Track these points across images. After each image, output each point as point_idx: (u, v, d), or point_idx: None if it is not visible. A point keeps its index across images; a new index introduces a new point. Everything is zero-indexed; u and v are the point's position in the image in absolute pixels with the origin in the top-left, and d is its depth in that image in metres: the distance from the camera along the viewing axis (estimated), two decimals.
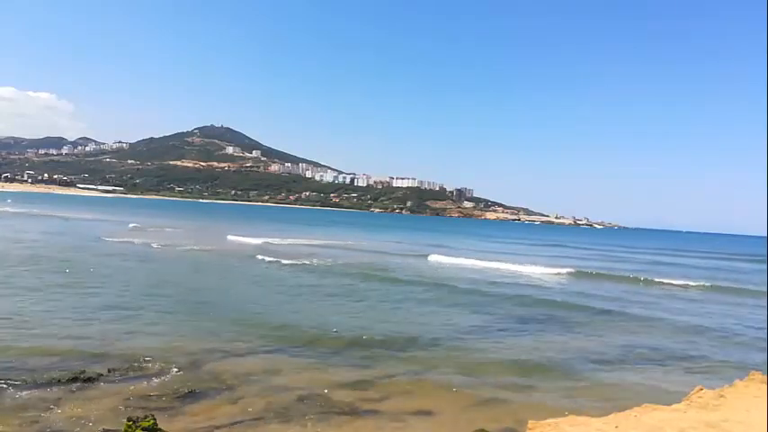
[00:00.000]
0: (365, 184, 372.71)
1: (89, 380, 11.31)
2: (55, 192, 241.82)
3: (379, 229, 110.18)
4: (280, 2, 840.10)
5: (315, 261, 37.50)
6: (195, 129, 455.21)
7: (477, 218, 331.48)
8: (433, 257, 46.16)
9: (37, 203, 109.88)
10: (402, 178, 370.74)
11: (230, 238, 52.50)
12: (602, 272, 42.05)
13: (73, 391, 10.69)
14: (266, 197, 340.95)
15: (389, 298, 24.93)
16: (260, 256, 37.76)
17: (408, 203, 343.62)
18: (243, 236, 53.01)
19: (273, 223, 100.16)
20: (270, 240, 51.69)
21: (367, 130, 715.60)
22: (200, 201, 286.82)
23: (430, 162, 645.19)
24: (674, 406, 9.11)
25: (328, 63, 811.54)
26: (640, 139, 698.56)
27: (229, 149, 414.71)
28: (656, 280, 38.83)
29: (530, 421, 8.36)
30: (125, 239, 44.29)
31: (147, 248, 38.76)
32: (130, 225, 61.54)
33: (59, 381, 11.13)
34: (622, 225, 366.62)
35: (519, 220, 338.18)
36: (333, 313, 20.53)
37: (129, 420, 8.52)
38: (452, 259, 45.84)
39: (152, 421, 8.53)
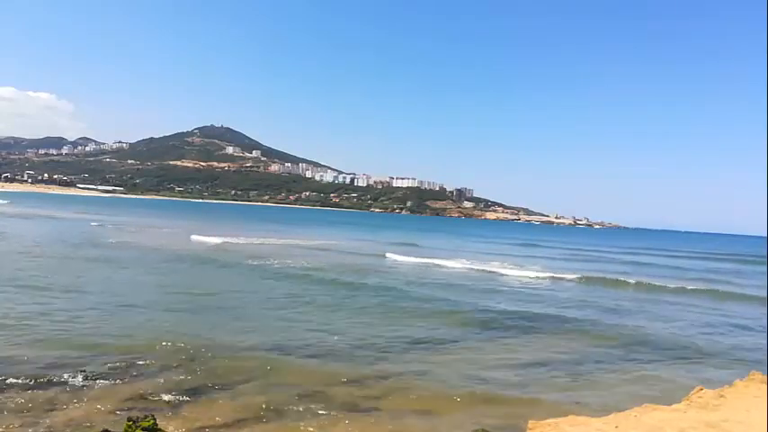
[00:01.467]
0: (365, 184, 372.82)
1: (89, 380, 11.32)
2: (55, 192, 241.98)
3: (371, 228, 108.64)
4: (280, 2, 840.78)
5: (269, 261, 35.88)
6: (195, 129, 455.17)
7: (477, 218, 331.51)
8: (401, 258, 44.97)
9: (29, 203, 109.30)
10: (402, 178, 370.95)
11: (193, 237, 50.60)
12: (582, 274, 40.22)
13: (73, 391, 10.70)
14: (266, 197, 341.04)
15: (317, 302, 22.87)
16: (211, 255, 37.28)
17: (408, 203, 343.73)
18: (207, 235, 51.19)
19: (261, 223, 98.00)
20: (229, 240, 49.94)
21: (367, 130, 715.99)
22: (199, 201, 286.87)
23: (430, 162, 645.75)
24: (674, 406, 9.12)
25: (328, 63, 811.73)
26: (640, 139, 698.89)
27: (229, 149, 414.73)
28: (628, 281, 37.64)
29: (530, 421, 8.36)
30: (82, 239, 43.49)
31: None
32: (92, 223, 61.26)
33: (59, 381, 11.14)
34: (622, 225, 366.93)
35: (519, 219, 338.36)
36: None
37: (129, 420, 8.52)
38: (424, 260, 44.77)
39: (152, 421, 8.53)
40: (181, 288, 23.91)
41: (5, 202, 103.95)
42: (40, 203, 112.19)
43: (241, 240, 51.62)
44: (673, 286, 36.16)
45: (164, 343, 14.44)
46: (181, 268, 30.90)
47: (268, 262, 35.70)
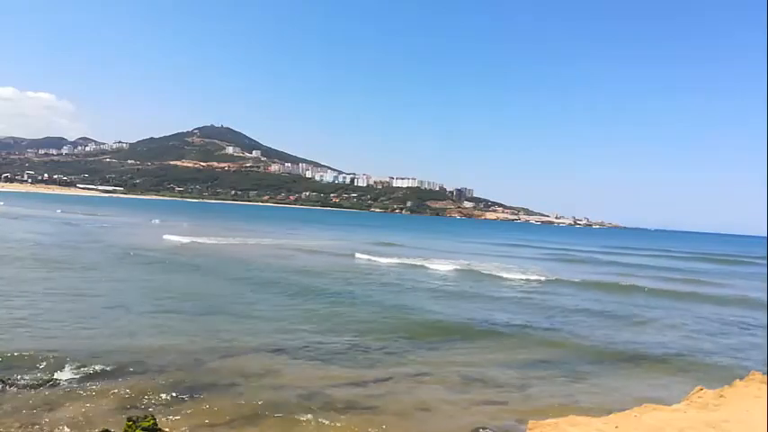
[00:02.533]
0: (365, 184, 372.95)
1: (89, 380, 11.32)
2: (55, 192, 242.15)
3: (363, 229, 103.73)
4: (280, 1, 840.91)
5: (228, 262, 35.00)
6: (195, 129, 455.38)
7: (477, 218, 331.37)
8: (372, 258, 43.83)
9: (22, 203, 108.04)
10: (402, 178, 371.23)
11: (165, 236, 49.51)
12: (558, 276, 38.80)
13: (73, 391, 10.69)
14: (266, 197, 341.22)
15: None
16: (171, 255, 36.85)
17: (408, 203, 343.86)
18: (177, 234, 50.45)
19: (248, 223, 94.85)
20: (198, 240, 48.80)
21: (367, 130, 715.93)
22: (199, 201, 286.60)
23: (430, 162, 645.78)
24: (674, 406, 9.12)
25: (328, 63, 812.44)
26: (641, 139, 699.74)
27: (229, 149, 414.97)
28: (619, 283, 36.59)
29: (530, 421, 8.36)
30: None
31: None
32: (67, 222, 62.24)
33: (59, 381, 11.14)
34: (622, 225, 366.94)
35: (519, 220, 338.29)
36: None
37: (129, 420, 8.52)
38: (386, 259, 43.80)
39: (152, 421, 8.54)
40: (143, 287, 23.80)
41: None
42: (34, 204, 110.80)
43: (212, 240, 50.14)
44: (655, 287, 35.24)
45: (162, 343, 14.45)
46: (146, 267, 30.21)
47: (227, 263, 34.57)
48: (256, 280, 28.44)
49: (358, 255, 45.52)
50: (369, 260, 43.14)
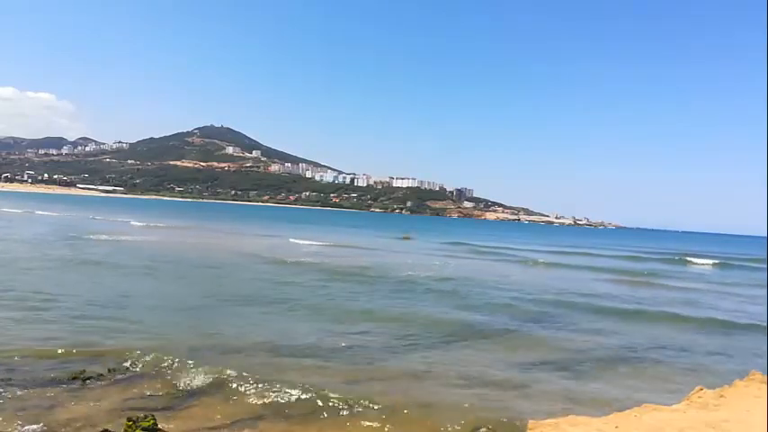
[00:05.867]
0: (365, 184, 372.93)
1: (89, 380, 11.30)
2: (55, 192, 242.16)
3: (337, 229, 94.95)
4: (280, 1, 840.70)
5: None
6: (195, 129, 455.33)
7: (477, 218, 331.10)
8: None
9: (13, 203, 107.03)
10: (402, 178, 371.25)
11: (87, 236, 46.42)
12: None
13: (73, 391, 10.68)
14: (266, 197, 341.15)
15: None
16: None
17: (408, 203, 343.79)
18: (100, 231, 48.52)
19: (218, 222, 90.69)
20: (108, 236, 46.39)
21: (367, 130, 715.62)
22: (198, 201, 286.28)
23: (430, 162, 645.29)
24: (674, 406, 9.12)
25: (328, 63, 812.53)
26: (641, 139, 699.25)
27: (229, 149, 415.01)
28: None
29: (530, 421, 8.36)
30: None
31: None
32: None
33: (59, 381, 11.13)
34: (623, 225, 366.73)
35: (519, 219, 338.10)
36: None
37: (129, 420, 8.53)
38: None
39: (152, 421, 8.54)
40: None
41: None
42: (26, 204, 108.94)
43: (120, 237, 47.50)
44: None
45: (162, 344, 14.44)
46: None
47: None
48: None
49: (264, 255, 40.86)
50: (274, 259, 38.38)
